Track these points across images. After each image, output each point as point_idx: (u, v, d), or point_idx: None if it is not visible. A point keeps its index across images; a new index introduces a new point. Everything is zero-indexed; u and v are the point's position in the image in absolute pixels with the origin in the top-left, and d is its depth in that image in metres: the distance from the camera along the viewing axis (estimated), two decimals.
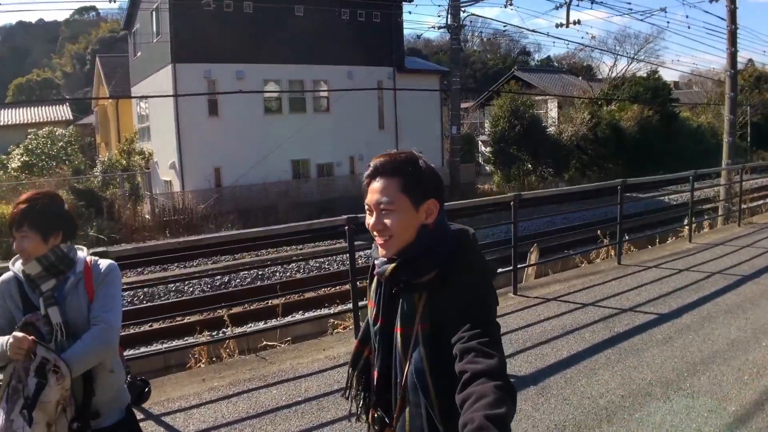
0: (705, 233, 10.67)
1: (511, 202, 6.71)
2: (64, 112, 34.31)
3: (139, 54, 23.93)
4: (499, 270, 9.48)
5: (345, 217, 5.47)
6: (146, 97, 20.07)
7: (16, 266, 2.25)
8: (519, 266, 7.08)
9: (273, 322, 9.11)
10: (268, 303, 10.54)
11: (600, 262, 8.82)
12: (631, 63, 32.76)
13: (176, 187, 20.36)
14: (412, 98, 24.18)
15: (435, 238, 1.67)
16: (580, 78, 38.70)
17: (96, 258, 2.32)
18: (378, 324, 1.80)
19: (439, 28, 23.40)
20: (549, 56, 73.13)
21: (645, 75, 31.96)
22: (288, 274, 12.48)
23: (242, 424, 4.01)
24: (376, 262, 1.76)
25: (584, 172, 28.50)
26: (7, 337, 2.06)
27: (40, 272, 2.17)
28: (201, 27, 19.38)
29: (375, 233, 1.71)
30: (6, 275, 2.27)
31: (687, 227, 10.18)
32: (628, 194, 18.91)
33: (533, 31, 60.71)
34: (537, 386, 4.37)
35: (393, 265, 1.68)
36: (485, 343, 1.51)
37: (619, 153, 28.63)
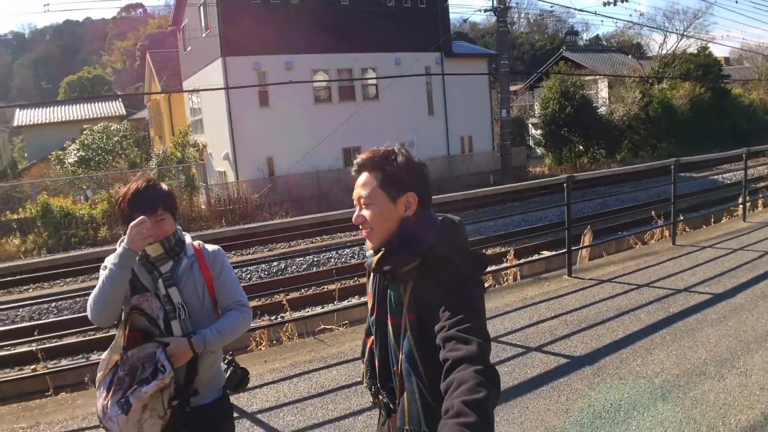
0: (759, 212, 10.49)
1: (564, 184, 6.80)
2: (117, 107, 35.54)
3: (188, 49, 24.57)
4: (553, 253, 9.59)
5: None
6: (197, 90, 20.67)
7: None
8: (573, 248, 7.15)
9: (330, 306, 9.40)
10: (324, 288, 10.90)
11: (654, 243, 8.80)
12: (680, 40, 31.89)
13: (230, 177, 20.94)
14: (460, 83, 24.17)
15: (416, 229, 1.73)
16: (629, 56, 37.81)
17: (201, 242, 2.42)
18: (374, 315, 1.88)
19: (486, 11, 23.13)
20: (597, 35, 71.47)
21: (695, 51, 31.03)
22: (342, 260, 12.77)
23: (304, 403, 4.25)
24: (366, 254, 1.86)
25: (636, 152, 27.98)
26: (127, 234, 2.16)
27: (161, 254, 2.26)
28: (248, 19, 19.79)
29: (359, 225, 1.80)
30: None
31: (741, 206, 10.04)
32: (681, 174, 18.60)
33: (580, 10, 59.23)
34: (593, 366, 4.52)
35: (377, 256, 1.75)
36: (465, 329, 1.53)
37: (671, 132, 27.98)
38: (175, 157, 21.09)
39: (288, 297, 10.37)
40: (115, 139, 21.06)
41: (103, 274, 2.21)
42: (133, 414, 2.07)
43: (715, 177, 19.31)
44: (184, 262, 2.29)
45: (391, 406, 1.86)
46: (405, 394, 1.70)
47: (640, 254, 7.94)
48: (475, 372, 1.42)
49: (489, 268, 9.90)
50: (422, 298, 1.68)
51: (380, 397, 1.91)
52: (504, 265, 8.36)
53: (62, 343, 8.89)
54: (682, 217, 9.63)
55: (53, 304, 10.59)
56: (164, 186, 2.33)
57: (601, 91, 33.55)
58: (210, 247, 2.40)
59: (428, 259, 1.69)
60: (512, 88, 31.12)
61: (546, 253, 11.04)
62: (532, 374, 4.44)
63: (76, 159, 20.62)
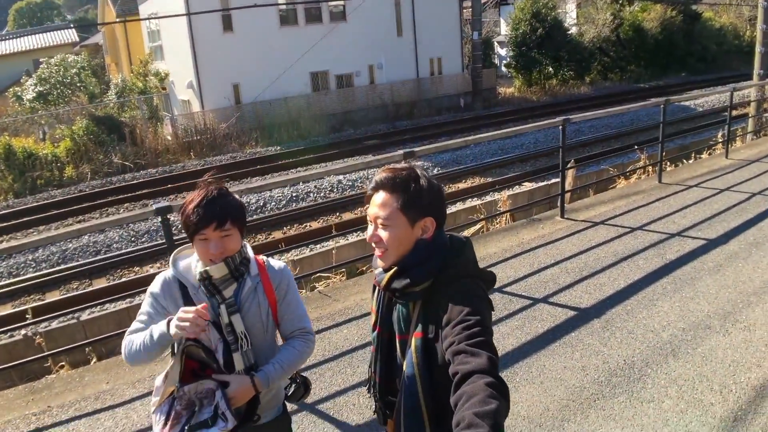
0: (739, 148, 10.63)
1: (560, 126, 6.73)
2: (69, 35, 33.66)
3: None
4: (546, 197, 9.63)
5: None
6: (156, 17, 19.59)
7: (183, 265, 2.07)
8: (565, 192, 7.17)
9: (319, 249, 9.34)
10: (306, 226, 10.81)
11: (640, 181, 8.89)
12: None
13: (195, 106, 20.27)
14: (429, 2, 23.49)
15: (431, 250, 1.73)
16: None
17: (266, 258, 2.17)
18: (376, 331, 1.89)
19: None
20: None
21: None
22: (322, 194, 12.63)
23: (321, 368, 4.21)
24: (375, 272, 1.83)
25: (606, 74, 27.93)
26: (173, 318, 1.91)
27: (226, 275, 1.99)
28: None
29: (373, 244, 1.77)
30: (167, 274, 2.09)
31: (722, 143, 10.17)
32: (654, 98, 18.70)
33: None
34: (600, 319, 4.61)
35: (389, 274, 1.73)
36: (474, 343, 1.54)
37: (641, 55, 27.93)
38: (136, 87, 20.21)
39: (270, 237, 10.29)
40: (73, 71, 19.98)
41: (140, 333, 2.00)
42: None
43: (687, 104, 19.46)
44: (248, 284, 2.05)
45: (387, 411, 1.91)
46: (402, 410, 1.72)
47: (628, 193, 8.03)
48: (486, 384, 1.43)
49: (478, 204, 9.94)
50: (431, 317, 1.68)
51: (378, 407, 1.96)
52: (499, 211, 8.37)
53: (47, 301, 8.72)
54: (664, 151, 9.69)
55: (30, 257, 10.28)
56: (236, 196, 2.05)
57: (571, 12, 33.03)
58: (276, 264, 2.16)
59: (440, 278, 1.69)
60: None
61: (529, 185, 11.10)
62: (543, 329, 4.50)
63: (34, 95, 19.58)
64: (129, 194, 13.57)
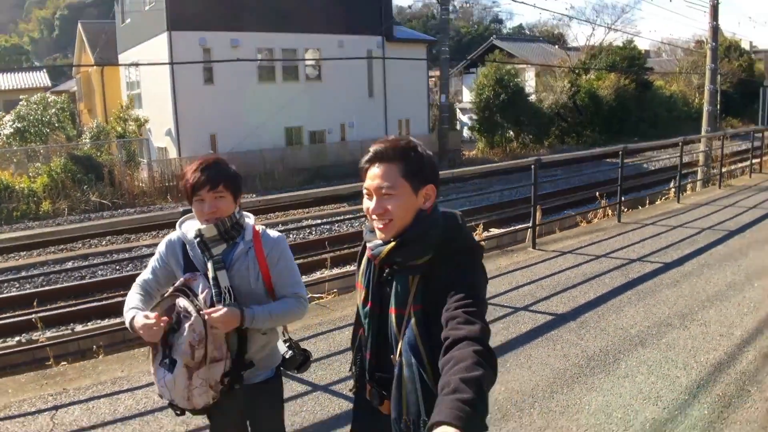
0: (689, 195, 11.63)
1: (532, 166, 7.48)
2: (41, 78, 33.98)
3: (128, 21, 23.92)
4: (521, 226, 10.32)
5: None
6: (141, 64, 20.25)
7: (186, 227, 2.31)
8: (536, 224, 7.86)
9: (317, 275, 9.68)
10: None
11: (601, 221, 9.69)
12: (608, 32, 33.66)
13: (171, 153, 20.70)
14: (400, 67, 24.70)
15: (430, 222, 1.73)
16: (556, 47, 39.45)
17: (263, 227, 2.34)
18: (367, 306, 1.87)
19: None
20: (521, 24, 73.89)
21: (621, 44, 32.86)
22: (301, 235, 13.10)
23: (330, 360, 4.64)
24: (369, 245, 1.82)
25: (563, 139, 29.45)
26: (139, 314, 2.13)
27: (215, 236, 2.20)
28: None
29: (374, 217, 1.75)
30: (173, 235, 2.34)
31: (673, 189, 11.13)
32: (611, 160, 19.94)
33: (521, 2, 60.67)
34: (576, 321, 5.21)
35: (389, 246, 1.72)
36: (469, 312, 1.56)
37: (596, 120, 29.65)
38: (115, 131, 20.62)
39: None
40: (52, 111, 20.34)
41: (131, 297, 2.27)
42: (180, 376, 2.10)
43: (641, 163, 20.78)
44: (240, 247, 2.25)
45: (384, 392, 1.86)
46: (403, 383, 1.70)
47: (591, 230, 8.78)
48: (474, 351, 1.45)
49: None
50: (430, 289, 1.69)
51: (369, 385, 1.92)
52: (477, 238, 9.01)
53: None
54: (623, 198, 10.55)
55: (11, 277, 10.43)
56: (232, 166, 2.29)
57: (530, 80, 34.94)
58: (272, 233, 2.34)
59: (441, 251, 1.71)
60: (437, 73, 31.76)
61: (515, 226, 11.80)
62: (526, 329, 5.07)
63: (11, 131, 19.83)
64: (110, 229, 13.80)
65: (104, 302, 9.16)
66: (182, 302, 2.14)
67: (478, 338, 1.50)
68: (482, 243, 8.55)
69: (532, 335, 4.94)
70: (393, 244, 1.72)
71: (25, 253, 12.02)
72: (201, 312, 2.11)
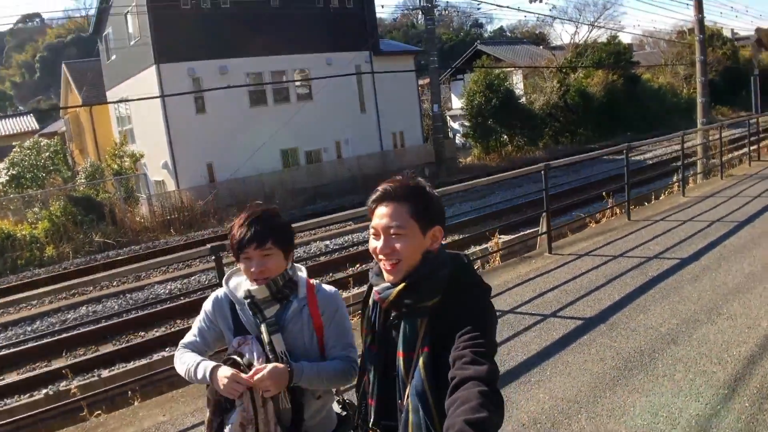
0: (693, 188, 11.75)
1: (542, 171, 7.58)
2: (28, 122, 34.19)
3: (113, 57, 24.04)
4: (529, 231, 10.40)
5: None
6: (130, 100, 20.34)
7: (233, 283, 2.19)
8: (553, 229, 7.95)
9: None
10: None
11: (610, 220, 9.78)
12: (591, 30, 34.00)
13: (170, 186, 20.76)
14: (389, 80, 24.88)
15: (439, 263, 1.71)
16: (541, 47, 39.79)
17: (317, 282, 2.23)
18: (374, 351, 1.83)
19: (413, 9, 24.05)
20: (501, 27, 74.53)
21: (605, 41, 33.18)
22: (312, 259, 13.15)
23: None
24: (376, 288, 1.77)
25: (557, 139, 29.67)
26: (218, 368, 2.03)
27: (267, 297, 2.07)
28: (181, 26, 19.71)
29: (381, 257, 1.73)
30: (219, 292, 2.21)
31: (677, 183, 11.26)
32: (605, 157, 20.07)
33: (506, 7, 61.28)
34: (605, 323, 5.28)
35: (398, 289, 1.69)
36: (477, 352, 1.53)
37: (588, 118, 29.90)
38: (111, 168, 20.67)
39: None
40: (46, 154, 20.39)
41: (189, 355, 2.15)
42: None
43: (635, 157, 20.96)
44: (294, 306, 2.10)
45: None
46: (410, 428, 1.66)
47: (602, 231, 8.87)
48: (480, 393, 1.43)
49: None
50: (438, 331, 1.66)
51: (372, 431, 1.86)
52: (491, 249, 9.10)
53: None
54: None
55: (29, 329, 10.46)
56: (282, 217, 2.15)
57: (518, 83, 35.22)
58: (326, 289, 2.20)
59: (449, 292, 1.68)
60: (423, 82, 31.96)
61: (523, 231, 11.88)
62: (558, 335, 5.14)
63: (7, 178, 19.86)
64: (120, 268, 13.81)
65: (125, 345, 9.25)
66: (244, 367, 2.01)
67: (484, 379, 1.47)
68: (499, 251, 8.66)
69: (565, 341, 5.00)
70: (402, 286, 1.69)
71: (36, 301, 12.05)
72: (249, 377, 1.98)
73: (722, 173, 12.15)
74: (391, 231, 1.69)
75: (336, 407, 2.28)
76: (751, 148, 13.73)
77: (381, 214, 1.72)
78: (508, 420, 3.82)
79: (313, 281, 2.20)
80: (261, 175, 21.19)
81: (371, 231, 1.76)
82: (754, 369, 4.18)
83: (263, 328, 2.06)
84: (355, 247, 12.81)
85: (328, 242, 14.03)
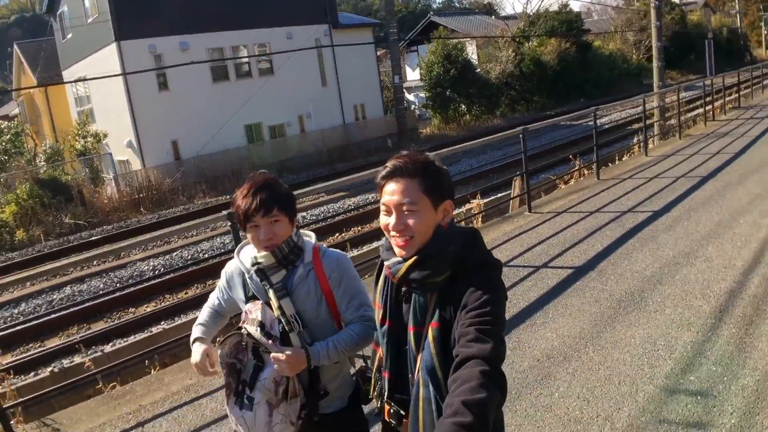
0: (653, 148, 12.43)
1: (521, 135, 8.01)
2: None
3: (69, 36, 23.44)
4: (503, 194, 10.88)
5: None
6: (91, 78, 19.94)
7: (243, 254, 2.24)
8: (530, 189, 8.42)
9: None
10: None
11: (579, 180, 10.32)
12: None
13: (135, 165, 20.55)
14: (349, 53, 24.97)
15: (448, 238, 1.71)
16: (493, 17, 40.24)
17: (323, 246, 2.24)
18: (386, 325, 1.84)
19: None
20: None
21: (557, 9, 33.81)
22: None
23: None
24: (387, 263, 1.78)
25: (514, 107, 30.29)
26: (199, 344, 2.26)
27: (273, 263, 2.11)
28: (140, 1, 19.41)
29: (394, 233, 1.71)
30: (231, 265, 2.30)
31: (637, 144, 11.89)
32: (562, 123, 20.70)
33: None
34: (594, 270, 5.77)
35: (408, 263, 1.69)
36: (482, 330, 1.52)
37: (543, 86, 30.58)
38: (74, 149, 20.33)
39: None
40: (7, 137, 19.91)
41: (201, 315, 2.39)
42: (261, 413, 2.05)
43: (588, 123, 21.66)
44: (300, 271, 2.14)
45: (402, 412, 1.83)
46: (420, 402, 1.67)
47: (574, 190, 9.40)
48: (481, 372, 1.42)
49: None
50: (448, 307, 1.66)
51: (388, 405, 1.88)
52: (473, 210, 9.53)
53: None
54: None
55: (16, 311, 10.46)
56: (284, 185, 2.18)
57: (472, 54, 35.64)
58: (331, 253, 2.22)
59: (460, 268, 1.68)
60: (379, 53, 32.10)
61: (478, 200, 12.36)
62: (553, 283, 5.60)
63: None
64: (97, 249, 13.77)
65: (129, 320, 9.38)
66: (261, 336, 2.06)
67: (487, 357, 1.47)
68: (481, 211, 9.10)
69: (560, 288, 5.47)
70: (412, 261, 1.69)
71: (19, 285, 12.00)
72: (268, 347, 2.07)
73: (680, 133, 12.85)
74: (404, 207, 1.68)
75: (358, 363, 2.32)
76: (707, 108, 14.49)
77: (392, 191, 1.70)
78: (524, 357, 4.26)
79: (319, 247, 2.21)
80: (227, 151, 21.17)
81: (382, 208, 1.74)
82: (735, 301, 4.72)
83: (271, 293, 2.11)
84: (332, 218, 13.10)
85: (304, 214, 14.24)
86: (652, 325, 4.50)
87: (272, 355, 2.02)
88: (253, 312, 2.11)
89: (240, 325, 2.14)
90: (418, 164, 1.70)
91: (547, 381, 3.91)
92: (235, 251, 2.28)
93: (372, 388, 1.96)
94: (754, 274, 5.22)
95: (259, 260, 2.11)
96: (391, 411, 1.87)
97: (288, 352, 2.00)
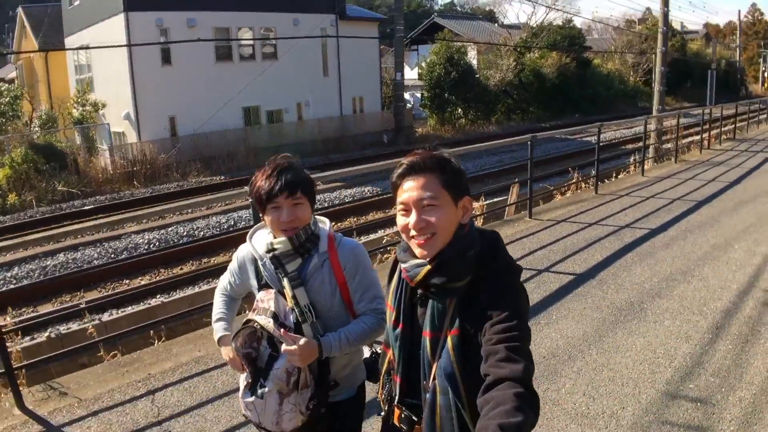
0: (650, 169, 12.72)
1: (529, 142, 8.21)
2: None
3: (76, 3, 23.26)
4: (498, 199, 11.09)
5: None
6: (96, 47, 19.84)
7: (256, 240, 2.19)
8: (532, 196, 8.63)
9: None
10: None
11: (577, 193, 10.56)
12: (548, 12, 34.91)
13: (130, 138, 20.47)
14: (353, 45, 25.08)
15: (469, 240, 1.65)
16: (496, 25, 40.55)
17: (338, 235, 2.19)
18: (399, 329, 1.77)
19: None
20: (453, 0, 74.95)
21: (561, 23, 34.23)
22: None
23: None
24: (404, 266, 1.71)
25: (509, 115, 30.59)
26: (225, 338, 2.24)
27: (289, 250, 2.06)
28: None
29: (415, 232, 1.64)
30: (243, 250, 2.24)
31: (633, 165, 12.20)
32: (558, 136, 20.98)
33: None
34: (595, 279, 5.99)
35: (426, 269, 1.63)
36: (512, 348, 1.48)
37: (540, 98, 30.94)
38: (71, 117, 20.19)
39: None
40: (6, 99, 19.69)
41: (213, 314, 2.37)
42: (271, 401, 2.03)
43: (588, 139, 22.01)
44: (314, 260, 2.09)
45: (414, 418, 1.77)
46: (437, 410, 1.62)
47: (572, 201, 9.64)
48: (515, 395, 1.38)
49: None
50: (469, 313, 1.60)
51: (398, 410, 1.82)
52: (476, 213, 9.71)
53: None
54: (593, 172, 11.46)
55: (9, 275, 10.44)
56: (306, 170, 2.14)
57: (472, 59, 35.91)
58: (348, 242, 2.18)
59: (481, 273, 1.62)
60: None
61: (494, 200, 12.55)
62: (555, 287, 5.81)
63: None
64: (90, 218, 13.75)
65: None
66: (274, 328, 2.03)
67: (519, 379, 1.42)
68: (483, 213, 9.29)
69: (563, 292, 5.67)
70: (431, 266, 1.62)
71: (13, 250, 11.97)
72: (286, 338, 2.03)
73: (676, 158, 13.17)
74: (425, 202, 1.62)
75: (366, 351, 2.29)
76: (703, 136, 14.85)
77: (410, 188, 1.64)
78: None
79: (334, 235, 2.17)
80: (224, 132, 21.18)
81: (399, 208, 1.68)
82: (731, 320, 4.95)
83: (285, 282, 2.06)
84: (332, 208, 13.23)
85: None
86: (651, 334, 4.71)
87: (284, 347, 1.99)
88: (266, 301, 2.08)
89: (251, 316, 2.09)
90: (434, 159, 1.66)
91: (553, 377, 4.10)
92: (248, 236, 2.21)
93: (380, 389, 1.90)
94: (749, 297, 5.46)
95: (276, 246, 2.06)
96: (402, 416, 1.80)
97: (301, 343, 1.96)
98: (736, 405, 3.70)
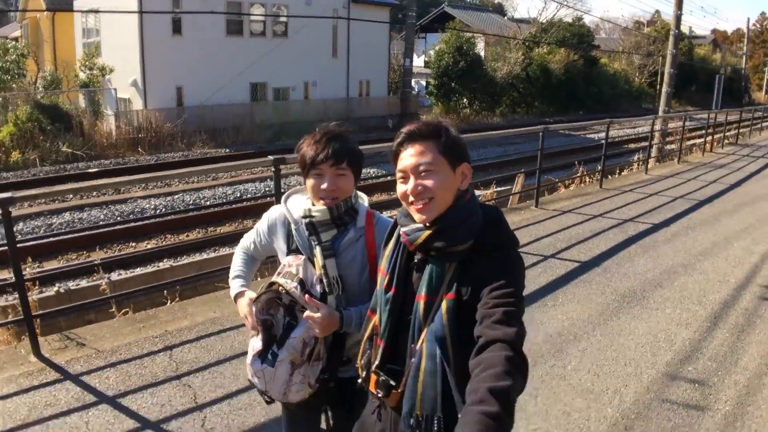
0: (653, 168, 12.92)
1: (541, 133, 8.37)
2: None
3: None
4: (505, 187, 11.27)
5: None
6: (109, 12, 19.76)
7: (291, 203, 2.15)
8: (540, 186, 8.80)
9: None
10: None
11: (581, 186, 10.74)
12: (559, 8, 34.98)
13: (136, 105, 20.50)
14: (363, 29, 25.09)
15: (470, 208, 1.68)
16: (506, 18, 40.52)
17: (377, 213, 2.16)
18: (390, 292, 1.77)
19: None
20: None
21: (571, 21, 34.28)
22: None
23: None
24: (404, 229, 1.73)
25: (514, 108, 30.70)
26: (243, 296, 2.16)
27: (327, 219, 2.02)
28: None
29: (412, 198, 1.68)
30: (276, 211, 2.20)
31: (637, 162, 12.39)
32: (560, 131, 21.14)
33: None
34: (599, 267, 6.17)
35: (427, 232, 1.66)
36: (508, 312, 1.50)
37: (546, 93, 31.04)
38: (78, 79, 20.18)
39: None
40: (13, 57, 19.64)
41: (231, 271, 2.29)
42: (282, 371, 2.00)
43: (591, 136, 22.20)
44: (350, 234, 2.05)
45: (392, 383, 1.74)
46: (421, 376, 1.61)
47: (577, 194, 9.81)
48: (506, 358, 1.41)
49: None
50: (467, 279, 1.62)
51: (375, 375, 1.78)
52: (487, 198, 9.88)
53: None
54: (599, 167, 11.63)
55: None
56: (356, 142, 2.09)
57: (480, 50, 35.94)
58: (386, 221, 2.11)
59: (482, 243, 1.63)
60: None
61: (485, 191, 12.72)
62: (561, 272, 5.98)
63: None
64: (95, 180, 13.83)
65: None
66: (299, 295, 1.98)
67: (512, 342, 1.44)
68: (492, 200, 9.46)
69: (568, 277, 5.85)
70: (432, 231, 1.65)
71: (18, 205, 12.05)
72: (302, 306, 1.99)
73: (679, 158, 13.36)
74: (421, 168, 1.66)
75: None
76: (707, 139, 15.05)
77: (408, 154, 1.68)
78: (537, 332, 4.61)
79: (373, 213, 2.13)
80: (231, 106, 21.22)
81: (398, 175, 1.72)
82: (729, 311, 5.14)
83: (317, 251, 2.02)
84: None
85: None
86: (653, 320, 4.90)
87: (306, 314, 1.95)
88: (294, 266, 2.03)
89: (275, 279, 2.03)
90: (432, 127, 1.70)
91: (560, 354, 4.28)
92: (282, 198, 2.18)
93: (360, 356, 1.87)
94: (746, 291, 5.66)
95: (314, 213, 2.02)
96: (380, 380, 1.77)
97: (324, 312, 1.93)
98: (731, 387, 3.90)
